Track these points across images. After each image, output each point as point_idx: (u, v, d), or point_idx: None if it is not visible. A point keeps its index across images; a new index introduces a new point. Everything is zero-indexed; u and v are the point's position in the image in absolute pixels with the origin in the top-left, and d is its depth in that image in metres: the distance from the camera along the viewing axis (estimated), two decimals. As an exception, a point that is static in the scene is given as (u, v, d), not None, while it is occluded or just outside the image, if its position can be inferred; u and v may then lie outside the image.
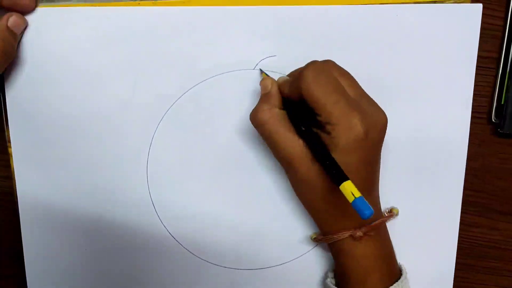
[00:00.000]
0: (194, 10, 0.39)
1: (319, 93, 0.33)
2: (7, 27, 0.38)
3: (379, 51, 0.40)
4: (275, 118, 0.35)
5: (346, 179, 0.31)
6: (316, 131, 0.35)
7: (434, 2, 0.40)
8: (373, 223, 0.36)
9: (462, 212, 0.42)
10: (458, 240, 0.43)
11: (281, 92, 0.37)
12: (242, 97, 0.41)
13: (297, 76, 0.35)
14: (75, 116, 0.41)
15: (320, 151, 0.34)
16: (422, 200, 0.42)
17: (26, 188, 0.42)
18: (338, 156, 0.33)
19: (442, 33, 0.40)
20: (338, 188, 0.31)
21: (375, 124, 0.34)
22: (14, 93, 0.41)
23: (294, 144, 0.35)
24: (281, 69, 0.40)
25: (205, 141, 0.41)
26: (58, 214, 0.43)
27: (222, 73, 0.41)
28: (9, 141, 0.41)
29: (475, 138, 0.42)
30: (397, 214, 0.41)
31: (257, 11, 0.39)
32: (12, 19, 0.38)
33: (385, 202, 0.41)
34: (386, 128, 0.35)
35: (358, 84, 0.36)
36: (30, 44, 0.40)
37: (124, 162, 0.42)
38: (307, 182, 0.35)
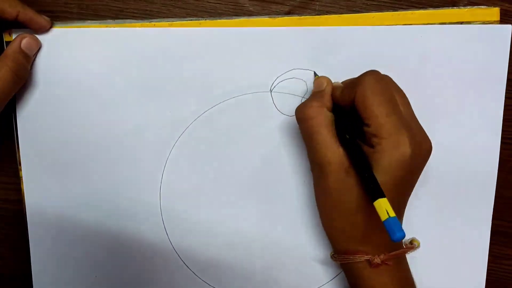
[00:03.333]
0: (209, 31, 0.39)
1: (374, 102, 0.32)
2: (21, 49, 0.37)
3: (402, 74, 0.38)
4: (322, 117, 0.34)
5: (383, 196, 0.30)
6: (359, 143, 0.33)
7: (461, 23, 0.38)
8: (393, 253, 0.34)
9: (491, 243, 0.40)
10: (487, 273, 0.41)
11: (332, 95, 0.35)
12: (257, 121, 0.40)
13: (353, 81, 0.34)
14: (87, 139, 0.40)
15: (361, 162, 0.32)
16: (449, 229, 0.40)
17: (36, 211, 0.41)
18: (376, 173, 0.32)
19: (469, 55, 0.38)
20: (367, 207, 0.30)
21: (421, 148, 0.33)
22: (25, 115, 0.40)
23: (333, 150, 0.33)
24: (293, 90, 0.39)
25: (219, 165, 0.40)
26: (69, 241, 0.42)
27: (237, 96, 0.39)
28: (20, 164, 0.41)
29: (505, 164, 0.41)
30: (418, 246, 0.39)
31: (272, 33, 0.39)
32: (26, 41, 0.38)
33: (409, 230, 0.39)
34: (429, 156, 0.34)
35: (410, 105, 0.35)
36: (43, 65, 0.39)
37: (137, 186, 0.41)
38: (334, 192, 0.34)
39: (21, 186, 0.41)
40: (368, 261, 0.34)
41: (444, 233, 0.40)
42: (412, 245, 0.39)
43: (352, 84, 0.33)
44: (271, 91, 0.39)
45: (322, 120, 0.34)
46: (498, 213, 0.40)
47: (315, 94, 0.36)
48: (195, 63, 0.39)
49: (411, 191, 0.35)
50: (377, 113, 0.32)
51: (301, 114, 0.35)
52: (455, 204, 0.40)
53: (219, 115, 0.40)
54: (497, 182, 0.40)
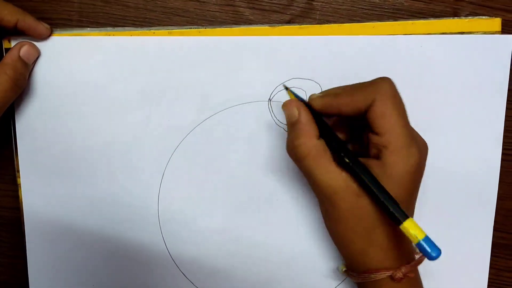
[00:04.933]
0: (208, 40, 0.38)
1: (394, 113, 0.31)
2: (19, 57, 0.37)
3: (403, 84, 0.38)
4: (316, 150, 0.32)
5: (406, 217, 0.29)
6: (361, 160, 0.32)
7: (462, 33, 0.38)
8: (412, 263, 0.33)
9: (492, 255, 0.40)
10: (488, 285, 0.40)
11: (323, 104, 0.33)
12: (256, 130, 0.39)
13: (365, 87, 0.32)
14: (86, 147, 0.40)
15: (372, 184, 0.30)
16: (449, 242, 0.40)
17: (34, 219, 0.41)
18: (387, 186, 0.30)
19: (470, 66, 0.38)
20: (384, 222, 0.29)
21: (423, 153, 0.32)
22: (24, 122, 0.40)
23: (337, 177, 0.31)
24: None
25: (218, 174, 0.40)
26: (66, 249, 0.41)
27: (236, 105, 0.39)
28: (18, 171, 0.40)
29: (506, 176, 0.40)
30: None
31: (272, 42, 0.38)
32: (25, 49, 0.37)
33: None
34: (427, 154, 0.33)
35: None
36: (42, 73, 0.39)
37: (135, 195, 0.40)
38: (348, 219, 0.32)
39: (19, 193, 0.41)
40: (391, 276, 0.33)
41: (444, 245, 0.39)
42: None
43: (366, 91, 0.32)
44: (270, 101, 0.39)
45: (316, 153, 0.32)
46: (499, 225, 0.40)
47: (294, 126, 0.33)
48: (195, 71, 0.39)
49: (418, 192, 0.34)
50: (395, 124, 0.31)
51: (294, 155, 0.33)
52: (455, 216, 0.40)
53: (218, 124, 0.39)
54: (498, 194, 0.39)
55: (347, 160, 0.31)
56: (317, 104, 0.33)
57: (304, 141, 0.32)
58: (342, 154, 0.32)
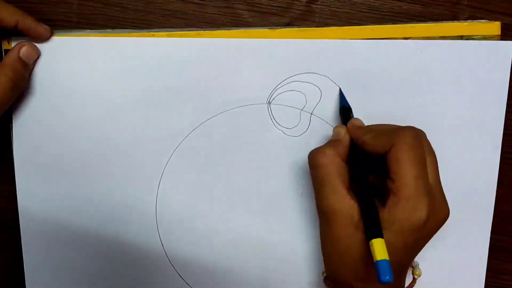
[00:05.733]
0: (208, 42, 0.38)
1: (407, 160, 0.31)
2: (19, 57, 0.37)
3: (402, 89, 0.38)
4: (335, 166, 0.33)
5: (380, 236, 0.29)
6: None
7: (461, 37, 0.38)
8: None
9: (489, 258, 0.40)
10: (485, 288, 0.40)
11: (353, 134, 0.34)
12: (255, 132, 0.39)
13: (389, 131, 0.33)
14: (84, 149, 0.40)
15: (368, 206, 0.31)
16: (446, 244, 0.40)
17: (30, 220, 0.41)
18: (388, 233, 0.30)
19: (469, 71, 0.38)
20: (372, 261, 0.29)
21: (436, 216, 0.32)
22: (21, 123, 0.40)
23: (344, 202, 0.32)
24: (292, 102, 0.39)
25: (216, 176, 0.40)
26: (63, 251, 0.41)
27: (235, 107, 0.39)
28: (15, 172, 0.40)
29: (504, 179, 0.40)
30: (419, 276, 0.39)
31: (271, 44, 0.38)
32: (25, 50, 0.37)
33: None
34: (443, 224, 0.33)
35: (438, 167, 0.34)
36: (42, 74, 0.39)
37: (133, 196, 0.40)
38: (339, 246, 0.32)
39: (16, 195, 0.41)
40: None
41: (442, 248, 0.40)
42: (412, 282, 0.38)
43: (389, 135, 0.32)
44: (269, 103, 0.39)
45: (335, 168, 0.33)
46: (496, 228, 0.40)
47: (331, 142, 0.35)
48: (194, 73, 0.39)
49: (417, 254, 0.34)
50: (406, 172, 0.31)
51: (313, 160, 0.33)
52: (453, 218, 0.39)
53: (217, 126, 0.39)
54: (496, 197, 0.39)
55: (360, 187, 0.32)
56: (349, 130, 0.35)
57: (331, 152, 0.33)
58: (359, 180, 0.32)
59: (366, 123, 0.36)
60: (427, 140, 0.34)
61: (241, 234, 0.40)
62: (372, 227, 0.30)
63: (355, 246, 0.32)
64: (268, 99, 0.39)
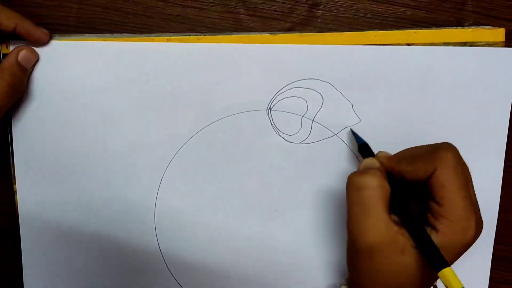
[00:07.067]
0: (208, 47, 0.38)
1: (455, 183, 0.30)
2: (17, 61, 0.37)
3: (406, 95, 0.38)
4: (382, 189, 0.30)
5: (447, 264, 0.28)
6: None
7: (465, 43, 0.37)
8: None
9: (492, 268, 0.40)
10: (487, 298, 0.40)
11: (396, 168, 0.32)
12: (255, 139, 0.39)
13: (428, 155, 0.31)
14: (83, 154, 0.40)
15: (420, 231, 0.30)
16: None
17: (29, 225, 0.41)
18: (445, 256, 0.29)
19: (473, 78, 0.38)
20: (419, 284, 0.29)
21: (479, 231, 0.31)
22: (21, 128, 0.39)
23: (389, 229, 0.30)
24: (293, 109, 0.38)
25: (216, 183, 0.40)
26: (62, 255, 0.41)
27: (235, 114, 0.39)
28: (15, 177, 0.40)
29: (508, 188, 0.39)
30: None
31: (272, 50, 0.38)
32: (23, 54, 0.37)
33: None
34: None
35: (472, 181, 0.33)
36: (40, 78, 0.39)
37: (132, 202, 0.40)
38: (384, 274, 0.30)
39: (15, 199, 0.40)
40: None
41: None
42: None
43: (428, 158, 0.31)
44: (270, 110, 0.39)
45: (382, 192, 0.30)
46: (500, 237, 0.39)
47: (371, 168, 0.32)
48: (194, 79, 0.38)
49: None
50: (455, 195, 0.30)
51: (359, 180, 0.31)
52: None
53: (217, 132, 0.39)
54: (500, 206, 0.39)
55: (405, 213, 0.31)
56: (381, 162, 0.33)
57: (377, 173, 0.31)
58: (402, 206, 0.31)
59: (369, 129, 0.36)
60: (460, 155, 0.32)
61: (241, 240, 0.40)
62: (434, 256, 0.29)
63: (401, 272, 0.30)
64: (269, 105, 0.39)
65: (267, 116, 0.39)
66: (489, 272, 0.40)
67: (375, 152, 0.34)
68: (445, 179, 0.30)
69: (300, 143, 0.39)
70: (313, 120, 0.39)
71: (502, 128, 0.38)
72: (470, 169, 0.38)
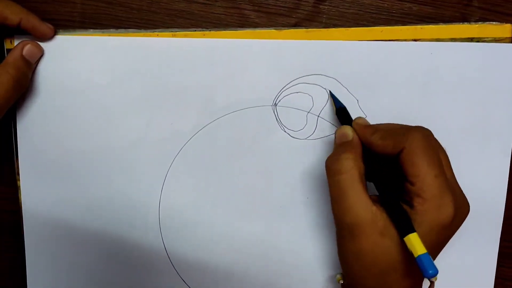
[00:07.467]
0: (213, 42, 0.38)
1: (424, 161, 0.30)
2: (22, 56, 0.37)
3: (411, 91, 0.38)
4: (357, 171, 0.31)
5: (413, 231, 0.29)
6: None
7: (471, 39, 0.37)
8: None
9: (498, 265, 0.39)
10: (493, 296, 0.40)
11: (367, 139, 0.33)
12: (260, 135, 0.39)
13: (398, 132, 0.32)
14: (87, 150, 0.39)
15: (393, 202, 0.31)
16: (455, 250, 0.39)
17: (33, 222, 0.40)
18: (419, 235, 0.30)
19: (480, 74, 0.37)
20: (401, 267, 0.29)
21: (461, 212, 0.31)
22: (25, 123, 0.39)
23: (367, 210, 0.30)
24: (298, 105, 0.38)
25: (220, 179, 0.39)
26: (66, 253, 0.41)
27: (240, 109, 0.39)
28: (18, 174, 0.40)
29: (514, 185, 0.39)
30: (435, 279, 0.38)
31: (278, 45, 0.38)
32: (28, 48, 0.37)
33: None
34: (466, 218, 0.32)
35: (450, 164, 0.33)
36: (45, 73, 0.39)
37: (136, 199, 0.40)
38: (365, 257, 0.31)
39: (19, 196, 0.40)
40: None
41: (450, 255, 0.39)
42: (432, 283, 0.38)
43: (399, 135, 0.31)
44: (275, 105, 0.38)
45: (357, 174, 0.31)
46: (505, 235, 0.39)
47: (343, 145, 0.33)
48: (198, 74, 0.38)
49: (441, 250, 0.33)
50: (426, 173, 0.30)
51: (335, 166, 0.32)
52: (462, 225, 0.39)
53: (222, 128, 0.39)
54: (506, 203, 0.39)
55: (385, 194, 0.31)
56: (356, 130, 0.34)
57: (349, 156, 0.31)
58: (379, 183, 0.32)
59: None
60: (436, 140, 0.33)
61: (245, 238, 0.40)
62: (404, 224, 0.29)
63: (383, 254, 0.31)
64: (274, 101, 0.38)
65: (272, 112, 0.39)
66: (495, 269, 0.39)
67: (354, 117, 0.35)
68: (415, 157, 0.30)
69: (305, 139, 0.39)
70: (318, 116, 0.38)
71: (508, 125, 0.38)
72: (475, 166, 0.38)
